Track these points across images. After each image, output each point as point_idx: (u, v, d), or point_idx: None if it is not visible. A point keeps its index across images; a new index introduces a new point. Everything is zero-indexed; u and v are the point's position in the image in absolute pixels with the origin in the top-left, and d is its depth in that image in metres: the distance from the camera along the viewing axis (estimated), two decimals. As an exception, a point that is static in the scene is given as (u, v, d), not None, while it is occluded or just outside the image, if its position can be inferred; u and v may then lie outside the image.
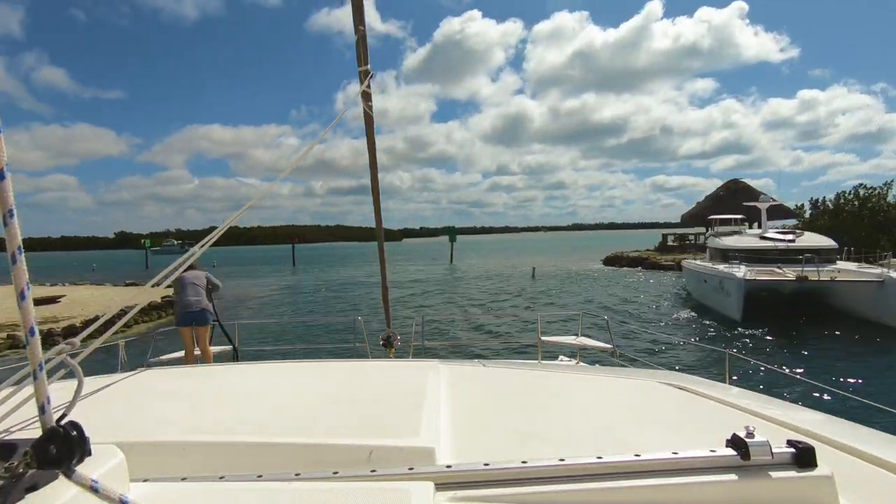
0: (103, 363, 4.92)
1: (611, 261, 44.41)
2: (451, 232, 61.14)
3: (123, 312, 1.28)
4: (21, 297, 0.63)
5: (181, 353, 5.34)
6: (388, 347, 4.45)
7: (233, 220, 1.51)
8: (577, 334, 5.73)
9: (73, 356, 0.84)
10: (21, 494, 0.58)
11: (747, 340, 12.54)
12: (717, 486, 0.78)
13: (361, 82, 2.85)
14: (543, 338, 5.56)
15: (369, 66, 2.86)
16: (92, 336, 1.00)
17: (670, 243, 46.48)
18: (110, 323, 1.08)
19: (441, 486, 0.78)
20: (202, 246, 1.40)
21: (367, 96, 2.97)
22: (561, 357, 5.81)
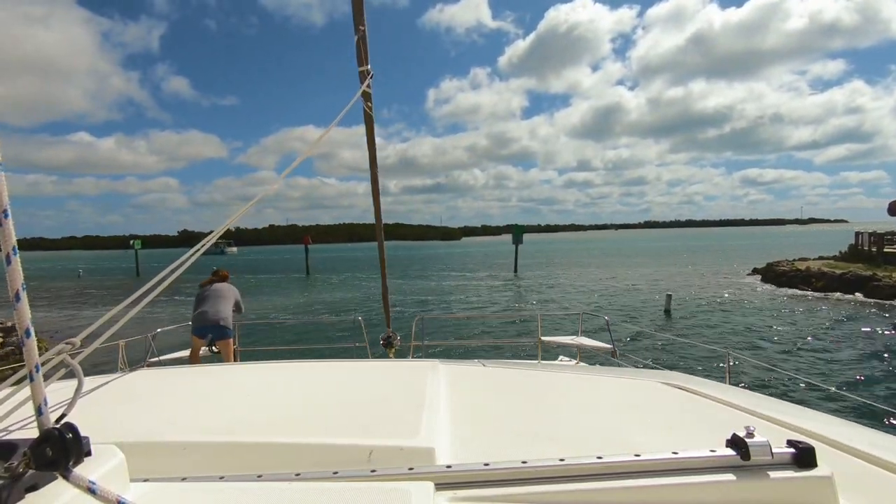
0: (103, 363, 4.93)
1: (775, 276, 25.67)
2: (518, 231, 42.44)
3: (124, 312, 1.28)
4: (16, 298, 0.62)
5: (181, 353, 5.34)
6: (388, 347, 4.45)
7: (232, 220, 1.51)
8: (577, 334, 5.74)
9: (72, 356, 0.84)
10: (21, 494, 0.58)
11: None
12: (717, 486, 0.78)
13: (361, 82, 2.85)
14: (543, 338, 5.56)
15: (369, 66, 2.87)
16: (92, 336, 1.00)
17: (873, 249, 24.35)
18: (110, 323, 1.08)
19: (441, 486, 0.78)
20: (200, 248, 1.40)
21: (367, 96, 2.97)
22: (561, 357, 5.81)
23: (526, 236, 47.14)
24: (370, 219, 3.97)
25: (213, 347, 5.08)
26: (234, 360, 5.37)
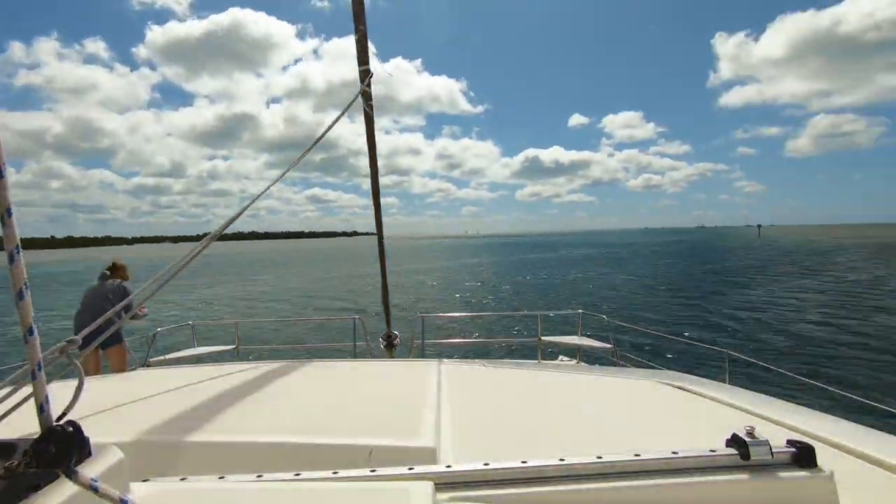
0: (103, 363, 4.91)
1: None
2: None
3: (124, 311, 1.28)
4: (19, 296, 0.62)
5: (181, 353, 5.34)
6: (388, 347, 4.45)
7: (229, 222, 1.51)
8: (577, 334, 5.73)
9: (73, 355, 0.84)
10: (22, 494, 0.58)
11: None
12: (717, 485, 0.78)
13: (361, 81, 2.85)
14: (543, 338, 5.56)
15: (369, 65, 2.87)
16: (92, 335, 1.00)
17: None
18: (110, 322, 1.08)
19: (441, 486, 0.78)
20: (199, 250, 1.40)
21: (367, 96, 2.97)
22: (561, 357, 5.81)
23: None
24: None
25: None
26: (126, 370, 4.64)
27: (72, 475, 0.61)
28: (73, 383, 0.78)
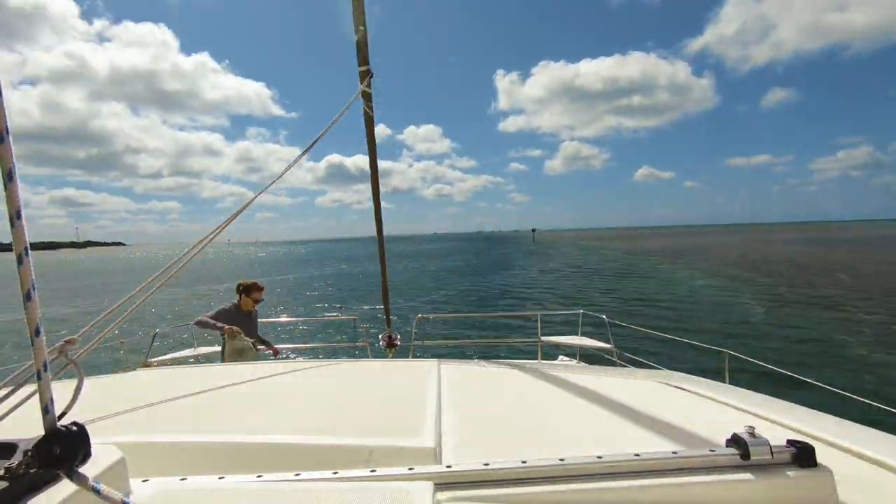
0: (103, 363, 4.92)
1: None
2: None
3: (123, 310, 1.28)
4: (27, 297, 0.63)
5: (181, 353, 5.34)
6: (388, 347, 4.44)
7: (229, 220, 1.52)
8: (577, 334, 5.73)
9: (73, 355, 0.84)
10: (22, 495, 0.58)
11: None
12: (717, 485, 0.78)
13: (361, 82, 2.85)
14: (543, 338, 5.56)
15: (369, 66, 2.86)
16: (92, 335, 1.00)
17: None
18: (110, 321, 1.08)
19: (441, 486, 0.78)
20: (198, 248, 1.40)
21: (367, 96, 2.97)
22: (561, 357, 5.80)
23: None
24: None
25: None
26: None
27: (72, 476, 0.61)
28: (73, 383, 0.78)
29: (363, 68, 2.86)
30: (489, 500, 0.77)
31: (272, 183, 1.78)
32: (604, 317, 5.83)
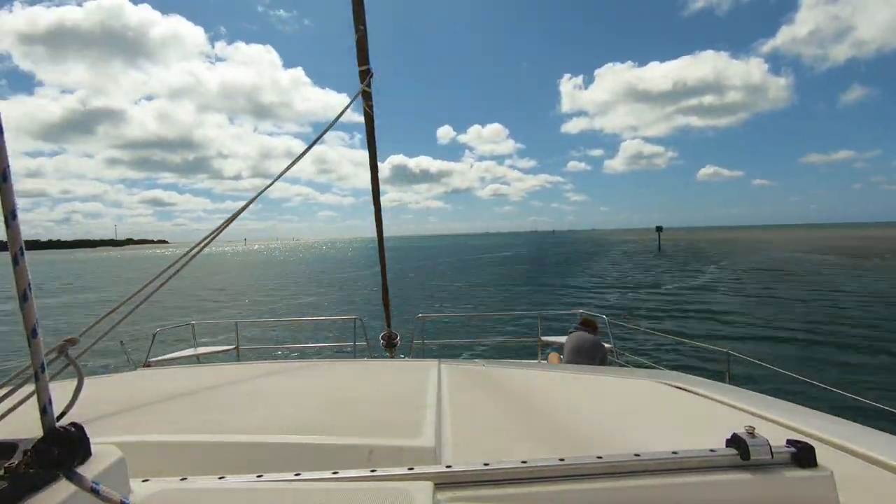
0: (103, 363, 4.92)
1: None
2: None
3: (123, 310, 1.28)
4: (23, 298, 0.63)
5: (181, 353, 5.34)
6: (388, 347, 4.44)
7: (232, 218, 1.52)
8: None
9: (73, 355, 0.84)
10: (22, 495, 0.58)
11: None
12: (717, 485, 0.78)
13: (361, 81, 2.85)
14: (543, 338, 5.56)
15: (370, 65, 2.87)
16: (92, 335, 1.00)
17: None
18: (110, 321, 1.08)
19: (441, 486, 0.78)
20: (200, 246, 1.40)
21: (367, 96, 2.97)
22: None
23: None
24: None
25: None
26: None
27: (72, 476, 0.61)
28: (73, 383, 0.78)
29: (363, 68, 2.86)
30: (489, 499, 0.77)
31: (272, 183, 1.78)
32: (604, 317, 5.83)
